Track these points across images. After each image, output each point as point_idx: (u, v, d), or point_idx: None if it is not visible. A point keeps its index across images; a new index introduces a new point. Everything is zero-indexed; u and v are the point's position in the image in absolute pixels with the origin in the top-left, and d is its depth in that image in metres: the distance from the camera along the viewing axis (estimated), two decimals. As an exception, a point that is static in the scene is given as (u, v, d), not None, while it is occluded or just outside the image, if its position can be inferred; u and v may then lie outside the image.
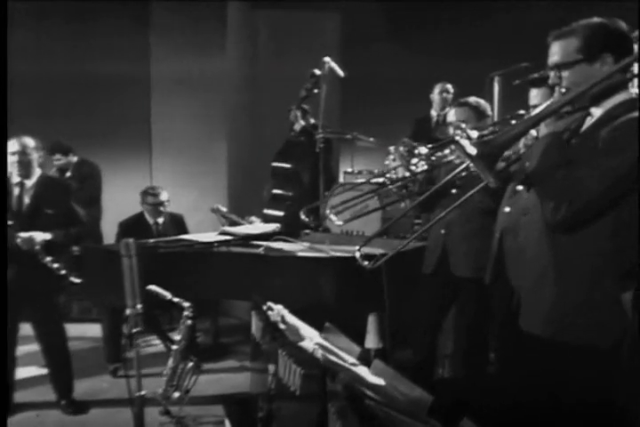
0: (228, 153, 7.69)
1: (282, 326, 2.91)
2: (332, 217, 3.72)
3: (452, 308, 3.58)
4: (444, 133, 5.39)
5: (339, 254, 3.91)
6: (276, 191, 6.45)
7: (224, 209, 6.57)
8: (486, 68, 5.78)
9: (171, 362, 3.64)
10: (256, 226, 5.27)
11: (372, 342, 2.73)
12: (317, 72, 5.85)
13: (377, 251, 4.13)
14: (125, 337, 2.54)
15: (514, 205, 2.76)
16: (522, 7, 6.39)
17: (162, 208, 5.77)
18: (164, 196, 5.79)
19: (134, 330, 2.49)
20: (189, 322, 3.72)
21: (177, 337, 3.50)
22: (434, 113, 6.02)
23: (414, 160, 3.21)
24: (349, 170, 5.87)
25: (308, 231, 5.13)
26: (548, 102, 2.09)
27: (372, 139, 5.64)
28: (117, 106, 7.31)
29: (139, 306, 2.41)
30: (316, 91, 5.92)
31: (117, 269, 3.43)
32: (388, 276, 3.77)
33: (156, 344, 5.58)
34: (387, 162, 5.54)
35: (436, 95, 5.95)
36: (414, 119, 6.14)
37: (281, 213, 6.34)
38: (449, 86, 5.92)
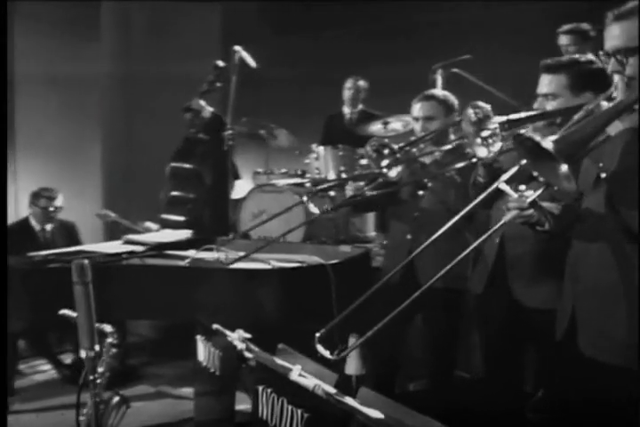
0: (103, 155, 7.11)
1: (248, 355, 2.51)
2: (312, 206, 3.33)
3: (416, 319, 3.28)
4: (364, 131, 5.11)
5: (283, 265, 3.50)
6: (174, 194, 5.91)
7: (112, 214, 5.96)
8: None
9: (91, 398, 3.05)
10: (165, 233, 4.75)
11: (353, 367, 2.36)
12: (221, 64, 5.41)
13: (316, 259, 3.82)
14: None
15: (518, 209, 2.49)
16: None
17: (53, 214, 5.10)
18: (59, 200, 5.12)
19: (97, 376, 1.98)
20: (113, 350, 3.15)
21: (99, 369, 2.92)
22: (346, 110, 5.72)
23: (384, 162, 2.87)
24: (260, 170, 5.44)
25: (225, 238, 4.69)
26: (621, 94, 1.81)
27: (286, 133, 5.26)
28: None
29: (97, 347, 1.90)
30: (218, 84, 5.47)
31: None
32: (338, 287, 3.44)
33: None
34: (307, 161, 5.22)
35: (346, 91, 5.64)
36: (327, 116, 5.81)
37: (181, 218, 5.81)
38: (361, 82, 5.63)
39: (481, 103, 2.37)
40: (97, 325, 2.95)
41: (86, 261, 1.83)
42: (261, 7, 7.61)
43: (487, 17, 5.70)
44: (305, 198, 3.42)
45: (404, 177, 3.10)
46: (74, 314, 2.64)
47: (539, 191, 1.91)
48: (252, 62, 5.01)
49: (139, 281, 3.60)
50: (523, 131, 2.31)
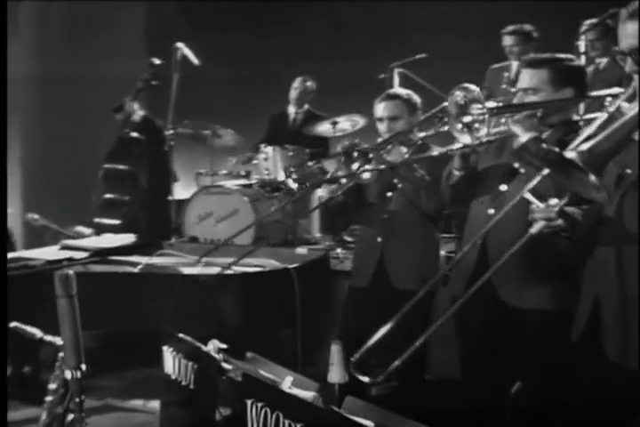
0: (22, 156, 6.80)
1: (227, 366, 2.39)
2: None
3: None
4: (311, 131, 5.03)
5: (245, 270, 3.38)
6: (109, 196, 5.67)
7: (40, 218, 5.67)
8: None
9: (44, 416, 2.86)
10: (107, 238, 4.52)
11: (336, 375, 2.28)
12: (157, 61, 5.23)
13: (274, 263, 3.71)
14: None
15: (499, 208, 2.45)
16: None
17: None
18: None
19: (77, 401, 1.81)
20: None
21: (51, 386, 2.73)
22: (292, 109, 5.61)
23: (355, 164, 2.80)
24: (202, 171, 5.28)
25: (171, 242, 4.52)
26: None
27: (232, 133, 5.12)
28: None
29: (83, 367, 1.74)
30: (154, 82, 5.29)
31: None
32: (301, 291, 3.35)
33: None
34: (256, 161, 5.09)
35: (293, 90, 5.54)
36: (270, 115, 5.68)
37: (117, 222, 5.58)
38: (309, 83, 5.53)
39: (471, 85, 2.32)
40: (49, 338, 2.76)
41: (71, 272, 1.68)
42: (186, 5, 7.42)
43: (433, 16, 5.73)
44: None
45: (373, 179, 3.03)
46: (26, 327, 2.46)
47: (564, 200, 1.88)
48: (194, 59, 4.85)
49: (91, 289, 3.39)
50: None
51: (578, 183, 1.66)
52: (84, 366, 1.72)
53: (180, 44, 4.84)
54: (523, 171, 2.39)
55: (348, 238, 4.95)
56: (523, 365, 2.45)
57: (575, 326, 1.98)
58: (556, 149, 1.67)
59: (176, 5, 7.28)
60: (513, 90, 4.60)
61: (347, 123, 4.90)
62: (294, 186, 3.39)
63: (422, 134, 2.82)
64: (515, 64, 4.67)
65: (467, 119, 2.30)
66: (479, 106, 2.27)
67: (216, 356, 2.40)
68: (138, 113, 5.50)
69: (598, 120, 1.81)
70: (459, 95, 2.30)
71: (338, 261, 4.33)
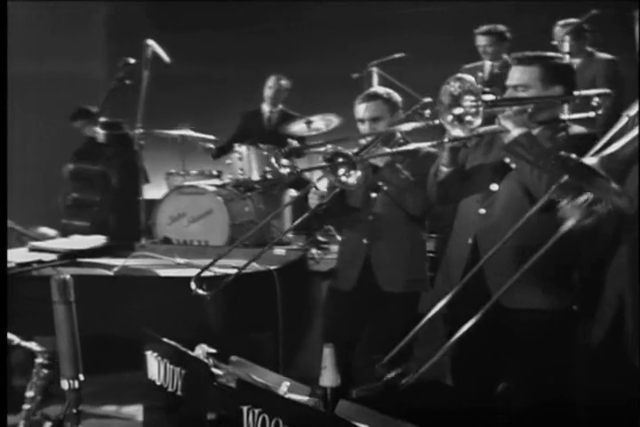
0: None
1: (218, 372, 2.34)
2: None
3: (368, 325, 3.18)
4: (285, 131, 4.98)
5: (226, 272, 3.32)
6: (77, 196, 5.54)
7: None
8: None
9: (22, 425, 2.78)
10: (76, 240, 4.41)
11: (329, 379, 2.24)
12: (131, 60, 5.11)
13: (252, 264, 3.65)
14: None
15: (490, 207, 2.44)
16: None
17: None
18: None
19: (74, 412, 1.74)
20: (45, 372, 2.89)
21: (29, 393, 2.66)
22: (266, 108, 5.54)
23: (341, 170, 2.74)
24: (173, 171, 5.19)
25: (143, 243, 4.42)
26: None
27: (208, 135, 5.04)
28: None
29: (81, 377, 1.67)
30: (128, 82, 5.18)
31: None
32: (282, 293, 3.31)
33: None
34: (229, 161, 5.01)
35: (267, 89, 5.47)
36: (241, 113, 5.60)
37: (86, 223, 5.46)
38: (284, 82, 5.46)
39: (466, 76, 2.29)
40: (25, 344, 2.67)
41: (68, 277, 1.61)
42: (152, 5, 7.31)
43: (406, 15, 5.73)
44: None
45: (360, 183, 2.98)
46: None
47: (591, 197, 1.87)
48: (165, 58, 4.76)
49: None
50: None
51: (599, 190, 1.64)
52: (82, 376, 1.66)
53: (150, 42, 4.73)
54: (514, 166, 2.38)
55: (322, 239, 4.92)
56: (517, 366, 2.45)
57: (595, 330, 1.97)
58: (583, 160, 1.62)
59: (141, 5, 7.18)
60: (487, 89, 4.64)
61: (321, 122, 4.87)
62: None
63: (406, 127, 2.77)
64: (488, 64, 4.69)
65: (458, 111, 2.27)
66: (472, 98, 2.25)
67: (206, 361, 2.35)
68: (100, 135, 5.43)
69: (619, 124, 1.80)
70: (453, 86, 2.27)
71: (314, 262, 4.31)
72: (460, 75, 2.25)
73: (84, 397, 4.31)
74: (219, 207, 4.52)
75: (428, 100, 3.31)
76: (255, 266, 3.63)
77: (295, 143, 4.29)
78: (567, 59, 2.60)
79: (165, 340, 2.48)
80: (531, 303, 2.36)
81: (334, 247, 4.70)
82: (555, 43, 4.12)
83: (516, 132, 2.30)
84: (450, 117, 2.27)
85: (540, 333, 2.36)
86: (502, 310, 2.38)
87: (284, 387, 2.13)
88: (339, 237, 4.73)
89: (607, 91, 2.46)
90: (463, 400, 2.66)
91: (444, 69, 4.95)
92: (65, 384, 1.67)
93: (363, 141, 3.04)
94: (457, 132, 2.27)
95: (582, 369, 2.09)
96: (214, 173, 5.15)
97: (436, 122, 2.45)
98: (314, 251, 4.42)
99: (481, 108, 2.18)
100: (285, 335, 3.31)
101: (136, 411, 3.63)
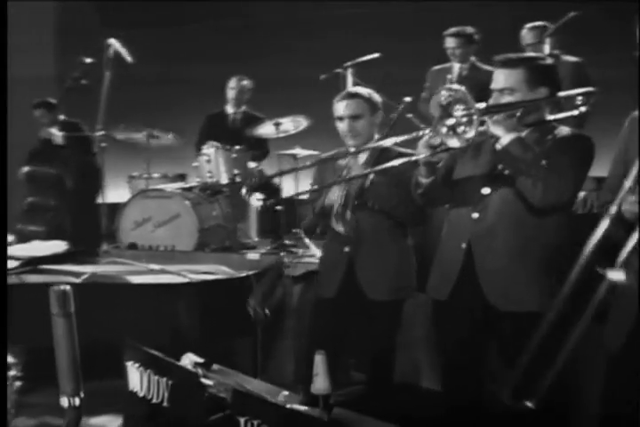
0: None
1: (208, 382, 2.24)
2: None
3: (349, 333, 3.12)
4: (253, 133, 4.89)
5: (203, 278, 3.22)
6: (32, 200, 5.35)
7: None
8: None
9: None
10: (36, 246, 4.23)
11: (321, 386, 2.18)
12: (88, 60, 4.96)
13: (225, 269, 3.56)
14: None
15: (483, 211, 2.40)
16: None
17: None
18: None
19: None
20: (17, 384, 2.80)
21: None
22: (229, 110, 5.42)
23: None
24: (135, 174, 5.04)
25: (107, 249, 4.27)
26: None
27: (170, 135, 4.91)
28: None
29: (82, 394, 1.56)
30: (84, 82, 5.02)
31: None
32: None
33: None
34: (196, 164, 4.89)
35: (230, 91, 5.35)
36: (206, 116, 5.47)
37: (41, 228, 5.27)
38: (246, 82, 5.35)
39: (456, 86, 2.26)
40: None
41: (68, 288, 1.51)
42: (102, 4, 7.13)
43: (371, 17, 5.70)
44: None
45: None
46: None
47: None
48: (128, 57, 4.62)
49: (31, 302, 3.15)
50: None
51: None
52: (82, 394, 1.55)
53: (112, 40, 4.58)
54: (507, 172, 2.35)
55: (290, 242, 4.85)
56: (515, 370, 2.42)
57: (614, 340, 1.95)
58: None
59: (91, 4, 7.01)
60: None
61: (290, 124, 4.79)
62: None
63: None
64: (456, 66, 4.69)
65: (450, 122, 2.23)
66: (463, 107, 2.21)
67: (195, 371, 2.25)
68: (57, 137, 5.27)
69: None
70: (442, 96, 2.24)
71: (284, 266, 4.23)
72: (449, 85, 2.22)
73: (53, 407, 4.16)
74: (186, 211, 4.41)
75: (407, 99, 3.30)
76: (226, 271, 3.56)
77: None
78: (550, 59, 2.56)
79: (150, 350, 2.39)
80: (525, 306, 2.34)
81: (301, 251, 4.67)
82: (545, 45, 4.13)
83: (507, 138, 2.27)
84: (444, 129, 2.23)
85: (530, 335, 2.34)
86: (496, 313, 2.36)
87: (281, 397, 2.05)
88: (307, 241, 4.69)
89: (592, 89, 2.45)
90: (452, 405, 2.63)
91: (411, 71, 5.02)
92: (64, 401, 1.55)
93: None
94: (453, 142, 2.22)
95: (601, 377, 2.07)
96: (178, 176, 5.03)
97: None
98: (282, 254, 4.35)
99: (475, 117, 2.14)
100: (263, 341, 3.23)
101: (107, 422, 3.51)
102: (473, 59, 4.70)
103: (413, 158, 2.47)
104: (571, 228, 2.38)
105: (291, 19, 6.07)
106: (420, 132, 2.43)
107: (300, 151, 4.94)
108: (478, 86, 4.60)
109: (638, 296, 2.00)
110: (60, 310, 1.49)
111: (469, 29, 4.60)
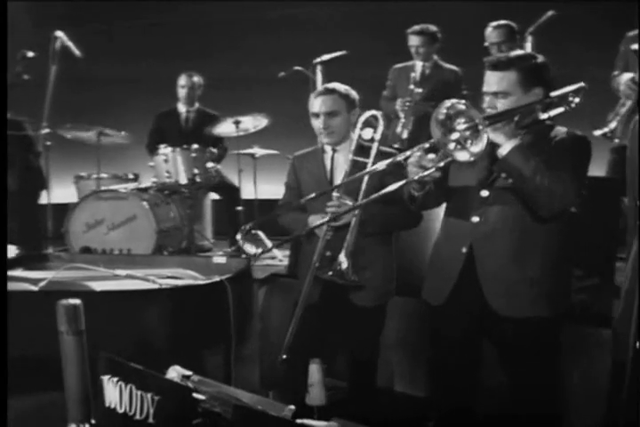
0: None
1: (200, 397, 2.08)
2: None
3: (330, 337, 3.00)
4: (211, 131, 4.71)
5: (173, 283, 3.04)
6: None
7: None
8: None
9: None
10: (-18, 251, 3.94)
11: (316, 397, 2.08)
12: (30, 54, 4.69)
13: (191, 273, 3.39)
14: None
15: (484, 215, 2.32)
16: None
17: None
18: None
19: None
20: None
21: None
22: (182, 108, 5.18)
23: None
24: (83, 174, 4.79)
25: (58, 254, 4.02)
26: None
27: (123, 133, 4.68)
28: None
29: (93, 420, 1.39)
30: (26, 77, 4.74)
31: None
32: (236, 305, 3.07)
33: None
34: (152, 164, 4.66)
35: (181, 89, 5.12)
36: (156, 115, 5.23)
37: (-21, 231, 4.94)
38: (196, 78, 5.14)
39: (452, 101, 2.16)
40: None
41: (79, 302, 1.34)
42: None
43: (332, 15, 5.61)
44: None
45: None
46: None
47: None
48: (76, 51, 4.38)
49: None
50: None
51: None
52: (93, 421, 1.38)
53: (59, 34, 4.34)
54: (510, 181, 2.27)
55: (250, 244, 4.70)
56: (510, 373, 2.36)
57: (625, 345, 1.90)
58: None
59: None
60: (419, 90, 4.59)
61: (250, 122, 4.63)
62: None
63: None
64: (419, 64, 4.64)
65: (455, 136, 2.13)
66: (464, 120, 2.11)
67: (185, 385, 2.09)
68: None
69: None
70: (440, 112, 2.13)
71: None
72: (446, 101, 2.12)
73: (10, 421, 3.92)
74: (143, 213, 4.20)
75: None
76: (193, 275, 3.39)
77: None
78: (541, 57, 2.48)
79: (129, 364, 2.21)
80: (526, 311, 2.28)
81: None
82: (526, 44, 4.11)
83: (507, 146, 2.19)
84: (452, 145, 2.13)
85: (534, 340, 2.29)
86: (497, 317, 2.30)
87: (287, 411, 1.92)
88: (268, 243, 4.54)
89: (582, 84, 2.39)
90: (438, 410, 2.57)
91: (372, 69, 4.94)
92: (73, 431, 1.38)
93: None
94: (463, 156, 2.12)
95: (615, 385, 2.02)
96: (130, 176, 4.80)
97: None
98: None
99: (481, 128, 2.06)
100: (236, 349, 3.09)
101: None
102: (436, 57, 4.66)
103: (404, 181, 2.33)
104: (572, 228, 2.34)
105: (247, 17, 5.92)
106: (408, 152, 2.32)
107: (258, 150, 4.80)
108: (441, 84, 4.66)
109: None
110: (70, 328, 1.33)
111: (432, 27, 4.56)
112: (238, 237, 2.81)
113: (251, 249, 2.90)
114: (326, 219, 2.68)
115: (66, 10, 6.01)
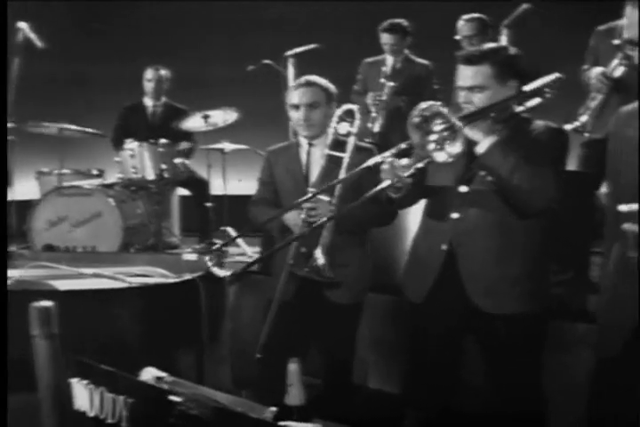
0: None
1: (176, 399, 2.01)
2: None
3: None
4: (179, 126, 4.61)
5: (144, 281, 2.95)
6: None
7: None
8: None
9: None
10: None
11: (295, 397, 2.02)
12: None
13: (161, 271, 3.31)
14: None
15: (464, 211, 2.28)
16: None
17: None
18: None
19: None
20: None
21: None
22: (149, 102, 5.06)
23: None
24: (45, 169, 4.66)
25: (21, 252, 3.89)
26: None
27: (88, 129, 4.56)
28: None
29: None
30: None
31: None
32: (209, 303, 2.99)
33: None
34: (118, 159, 4.54)
35: (147, 83, 4.98)
36: (123, 107, 5.10)
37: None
38: (163, 72, 5.00)
39: (427, 103, 2.11)
40: None
41: (51, 304, 1.26)
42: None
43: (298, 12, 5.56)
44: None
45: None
46: None
47: None
48: (38, 42, 4.24)
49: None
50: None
51: None
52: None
53: (22, 24, 4.20)
54: (490, 178, 2.23)
55: (218, 241, 4.61)
56: (493, 371, 2.33)
57: (611, 342, 1.88)
58: None
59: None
60: (391, 84, 4.56)
61: (219, 117, 4.54)
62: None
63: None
64: (390, 59, 4.60)
65: (433, 137, 2.09)
66: (441, 120, 2.07)
67: (160, 387, 2.02)
68: None
69: None
70: (415, 116, 2.09)
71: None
72: (421, 104, 2.07)
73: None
74: (109, 210, 4.09)
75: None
76: (163, 272, 3.30)
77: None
78: (514, 49, 2.45)
79: (100, 366, 2.13)
80: (509, 308, 2.26)
81: (232, 250, 4.44)
82: (501, 37, 4.08)
83: (485, 143, 2.15)
84: (431, 146, 2.08)
85: (517, 337, 2.26)
86: (479, 314, 2.26)
87: (268, 413, 1.86)
88: (240, 241, 4.46)
89: (558, 75, 2.36)
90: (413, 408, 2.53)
91: (342, 65, 4.89)
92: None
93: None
94: (441, 156, 2.07)
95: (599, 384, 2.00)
96: (94, 172, 4.68)
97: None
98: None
99: (457, 129, 2.02)
100: (209, 348, 3.02)
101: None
102: (407, 51, 4.63)
103: (378, 187, 2.27)
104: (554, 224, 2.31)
105: (217, 17, 5.83)
106: (379, 158, 2.26)
107: (227, 146, 4.71)
108: (412, 79, 4.63)
109: None
110: (42, 331, 1.25)
111: (403, 23, 4.52)
112: (207, 258, 2.74)
113: (220, 272, 2.81)
114: (302, 215, 2.64)
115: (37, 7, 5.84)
